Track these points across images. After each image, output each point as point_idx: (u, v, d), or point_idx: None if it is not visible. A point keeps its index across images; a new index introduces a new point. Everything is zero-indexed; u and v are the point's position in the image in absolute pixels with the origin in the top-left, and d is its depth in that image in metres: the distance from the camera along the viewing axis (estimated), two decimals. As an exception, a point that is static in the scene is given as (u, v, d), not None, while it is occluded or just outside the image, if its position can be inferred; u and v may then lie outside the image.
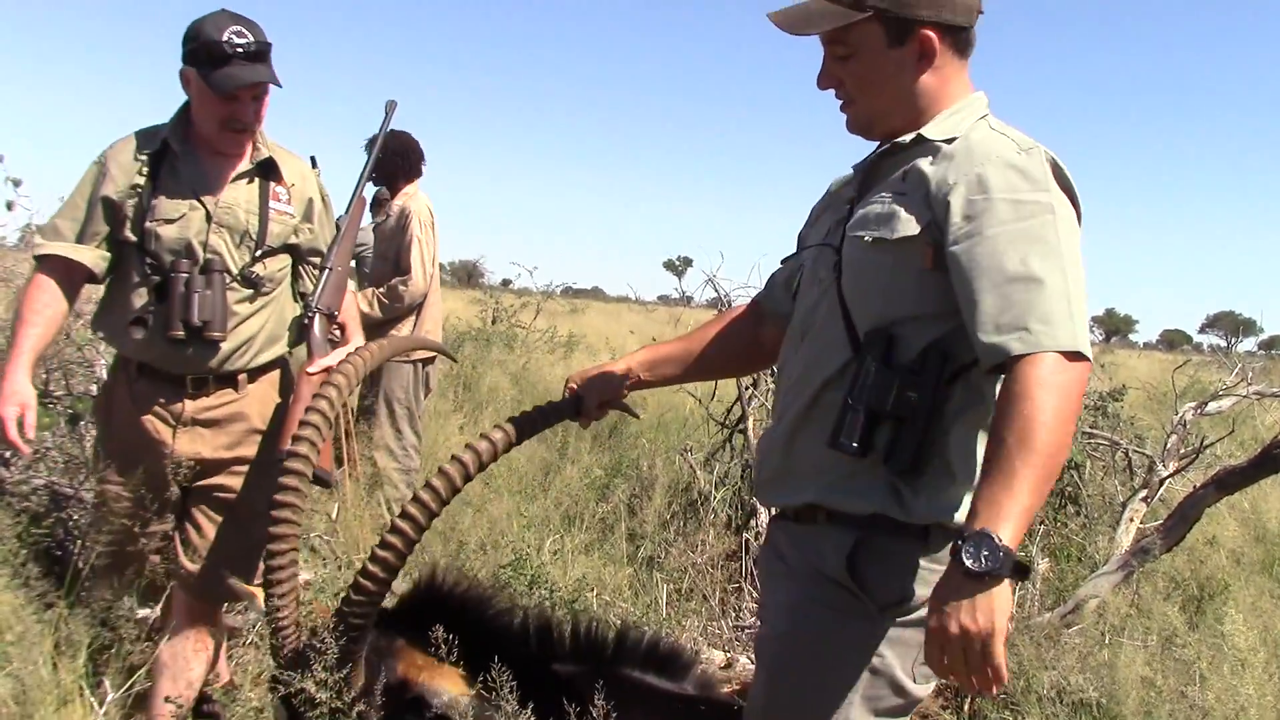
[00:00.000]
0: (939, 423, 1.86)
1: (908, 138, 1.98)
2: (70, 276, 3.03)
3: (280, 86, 3.07)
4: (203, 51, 2.93)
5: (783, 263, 2.37)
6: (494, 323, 11.88)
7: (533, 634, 2.63)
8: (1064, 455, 1.71)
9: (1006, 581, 1.64)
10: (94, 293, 3.23)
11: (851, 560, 1.90)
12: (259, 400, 3.21)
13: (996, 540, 1.61)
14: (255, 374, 3.19)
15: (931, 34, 1.95)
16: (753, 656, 4.25)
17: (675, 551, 5.06)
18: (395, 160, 5.54)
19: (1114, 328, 60.77)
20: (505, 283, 20.22)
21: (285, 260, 3.21)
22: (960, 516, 1.88)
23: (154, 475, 3.07)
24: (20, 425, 2.88)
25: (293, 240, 3.20)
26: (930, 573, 1.88)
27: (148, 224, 2.99)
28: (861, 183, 2.07)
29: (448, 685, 2.43)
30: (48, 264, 3.01)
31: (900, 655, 1.91)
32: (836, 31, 1.98)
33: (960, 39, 1.99)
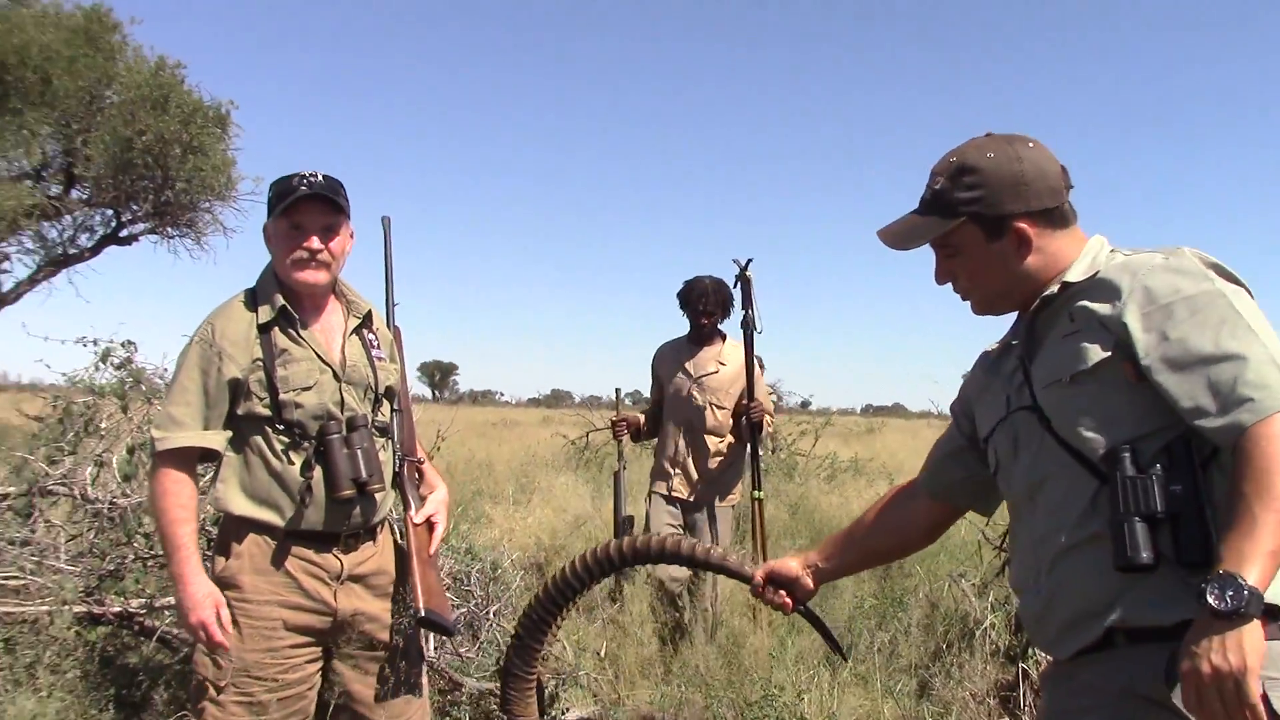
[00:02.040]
0: (1212, 510, 1.87)
1: (1054, 288, 2.10)
2: (193, 463, 2.96)
3: (340, 209, 3.06)
4: (274, 194, 3.02)
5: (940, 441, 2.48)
6: (774, 452, 11.97)
7: None
8: None
9: (1256, 621, 1.69)
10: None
11: (1168, 673, 1.86)
12: (388, 549, 3.21)
13: (1241, 581, 1.68)
14: (380, 525, 3.19)
15: (1024, 225, 2.10)
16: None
17: (951, 682, 4.95)
18: (726, 307, 5.90)
19: None
20: (804, 404, 20.39)
21: (386, 405, 3.23)
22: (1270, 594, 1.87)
23: (310, 636, 3.02)
24: (219, 621, 2.86)
25: (390, 383, 3.22)
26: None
27: (284, 395, 2.97)
28: (1026, 346, 2.17)
29: None
30: (175, 456, 2.91)
31: None
32: (940, 237, 2.17)
33: (1054, 216, 2.12)
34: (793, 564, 2.50)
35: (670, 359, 6.06)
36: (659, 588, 5.74)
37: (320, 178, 3.02)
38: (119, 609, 3.94)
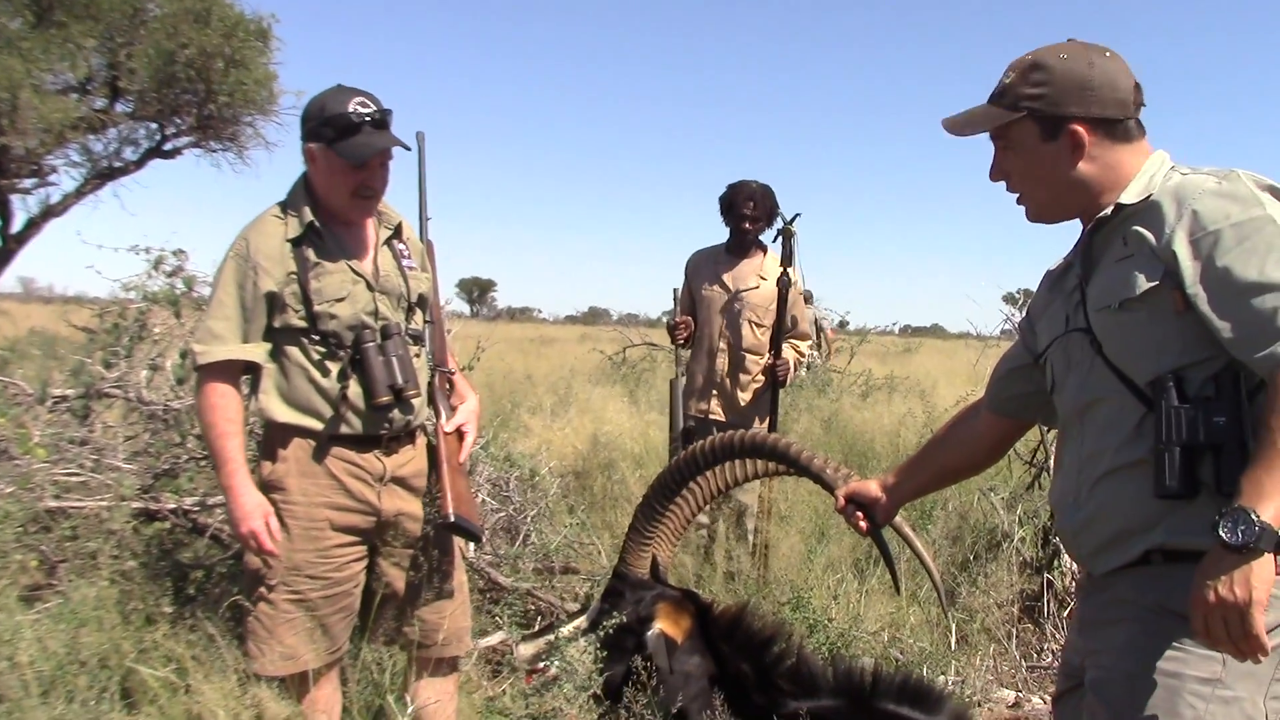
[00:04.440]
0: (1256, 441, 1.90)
1: (1108, 210, 2.11)
2: (235, 375, 3.06)
3: (408, 149, 3.14)
4: (330, 125, 2.99)
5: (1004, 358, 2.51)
6: (808, 369, 12.05)
7: (803, 674, 2.93)
8: None
9: (1267, 556, 1.76)
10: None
11: None
12: (423, 454, 3.29)
13: (1254, 516, 1.74)
14: (418, 429, 3.27)
15: (1080, 128, 2.10)
16: (1044, 696, 4.27)
17: (977, 591, 5.06)
18: (772, 216, 5.56)
19: None
20: (841, 323, 20.44)
21: (419, 314, 3.30)
22: None
23: (356, 536, 3.14)
24: (269, 531, 2.99)
25: (421, 291, 3.28)
26: (1275, 599, 1.89)
27: (318, 307, 3.03)
28: (1083, 266, 2.19)
29: (664, 621, 3.01)
30: (217, 369, 3.01)
31: (1251, 688, 1.93)
32: (999, 129, 2.19)
33: (1115, 130, 2.12)
34: (873, 486, 2.62)
35: (706, 269, 5.67)
36: (737, 516, 5.55)
37: (376, 109, 3.04)
38: (174, 506, 4.10)
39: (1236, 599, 1.75)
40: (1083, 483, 2.13)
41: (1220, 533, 1.75)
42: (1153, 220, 2.01)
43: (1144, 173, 2.10)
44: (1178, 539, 1.95)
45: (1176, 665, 1.95)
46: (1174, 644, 1.95)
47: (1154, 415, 1.96)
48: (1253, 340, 1.84)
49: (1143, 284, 1.99)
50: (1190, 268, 1.92)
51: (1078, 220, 2.23)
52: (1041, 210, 2.24)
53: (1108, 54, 2.13)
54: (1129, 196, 2.08)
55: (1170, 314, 1.97)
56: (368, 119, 3.01)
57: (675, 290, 5.78)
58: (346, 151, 3.00)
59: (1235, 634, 1.78)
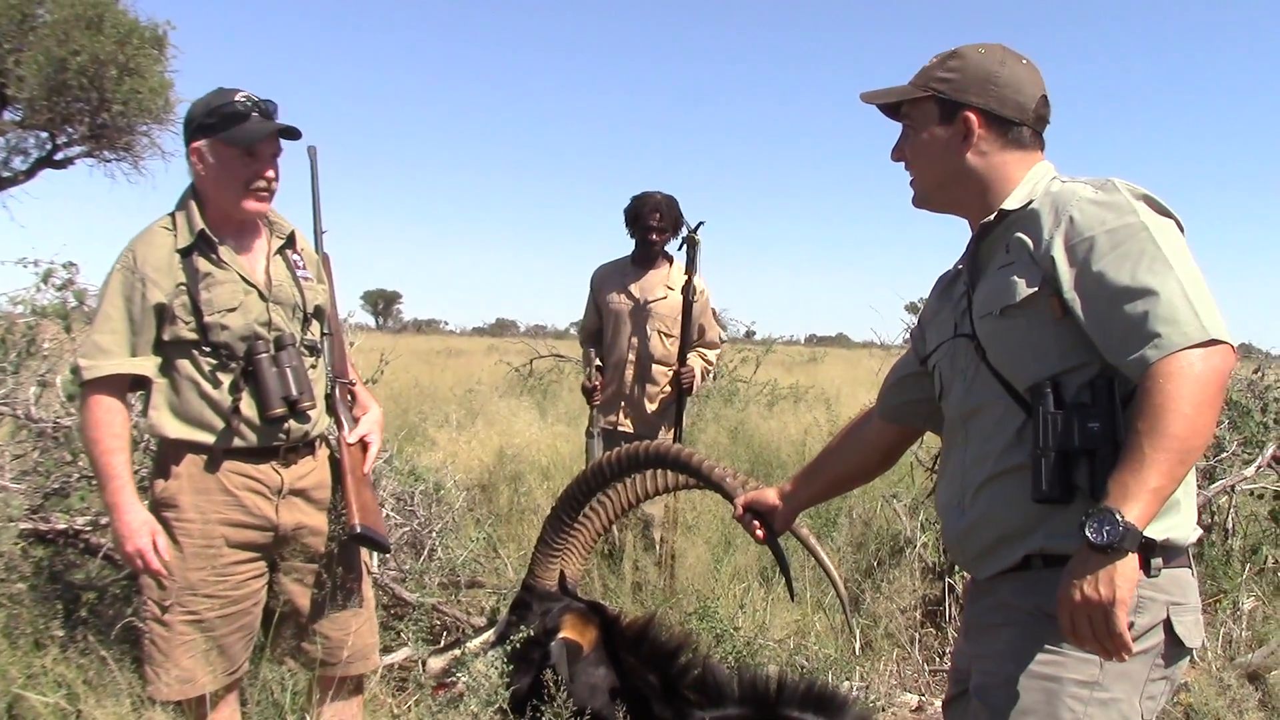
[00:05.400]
0: None
1: (992, 216, 2.16)
2: (123, 390, 2.98)
3: (299, 136, 3.09)
4: (216, 116, 2.96)
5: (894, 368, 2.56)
6: (715, 379, 12.13)
7: (709, 683, 2.93)
8: (1200, 439, 1.83)
9: (1131, 555, 1.79)
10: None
11: None
12: (325, 466, 3.24)
13: (1119, 517, 1.77)
14: (318, 440, 3.22)
15: (973, 116, 2.16)
16: (946, 699, 4.34)
17: (881, 597, 5.12)
18: (678, 226, 5.57)
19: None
20: (748, 333, 20.64)
21: (316, 325, 3.24)
22: (1175, 534, 1.98)
23: (254, 552, 3.08)
24: (155, 549, 2.92)
25: (318, 302, 3.23)
26: (1150, 600, 1.97)
27: (209, 318, 2.96)
28: (970, 273, 2.24)
29: (570, 633, 2.99)
30: (103, 384, 2.94)
31: (1128, 689, 1.99)
32: (908, 105, 2.25)
33: (1009, 131, 2.18)
34: (771, 494, 2.64)
35: (613, 281, 5.68)
36: (644, 527, 5.56)
37: (261, 99, 3.01)
38: (65, 526, 3.97)
39: (1101, 597, 1.79)
40: (966, 488, 2.17)
41: (1086, 532, 1.78)
42: (1032, 227, 2.06)
43: (1028, 180, 2.16)
44: (1056, 543, 1.99)
45: (1055, 669, 1.99)
46: (1053, 648, 1.99)
47: (1033, 421, 2.00)
48: (1124, 344, 1.89)
49: (1023, 290, 2.04)
50: (1067, 273, 1.97)
51: (966, 225, 2.28)
52: (927, 193, 2.29)
53: (1024, 61, 2.20)
54: (1012, 202, 2.13)
55: (1049, 320, 2.01)
56: (255, 108, 2.98)
57: (590, 352, 5.69)
58: (237, 137, 2.96)
59: (1100, 633, 1.82)
